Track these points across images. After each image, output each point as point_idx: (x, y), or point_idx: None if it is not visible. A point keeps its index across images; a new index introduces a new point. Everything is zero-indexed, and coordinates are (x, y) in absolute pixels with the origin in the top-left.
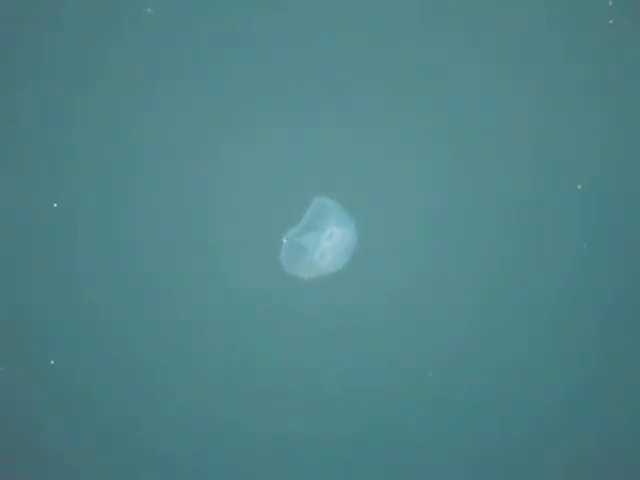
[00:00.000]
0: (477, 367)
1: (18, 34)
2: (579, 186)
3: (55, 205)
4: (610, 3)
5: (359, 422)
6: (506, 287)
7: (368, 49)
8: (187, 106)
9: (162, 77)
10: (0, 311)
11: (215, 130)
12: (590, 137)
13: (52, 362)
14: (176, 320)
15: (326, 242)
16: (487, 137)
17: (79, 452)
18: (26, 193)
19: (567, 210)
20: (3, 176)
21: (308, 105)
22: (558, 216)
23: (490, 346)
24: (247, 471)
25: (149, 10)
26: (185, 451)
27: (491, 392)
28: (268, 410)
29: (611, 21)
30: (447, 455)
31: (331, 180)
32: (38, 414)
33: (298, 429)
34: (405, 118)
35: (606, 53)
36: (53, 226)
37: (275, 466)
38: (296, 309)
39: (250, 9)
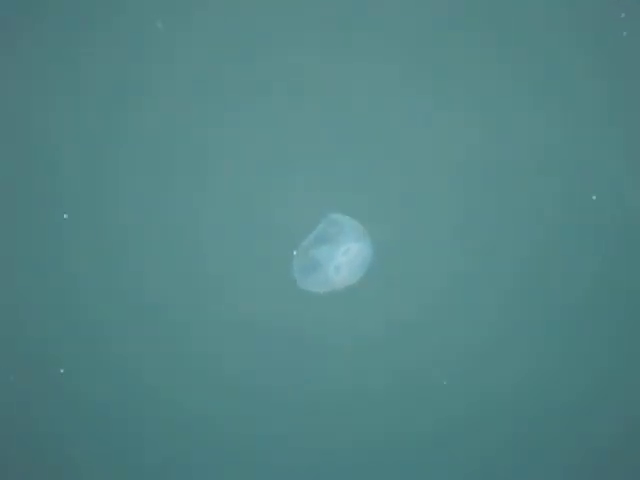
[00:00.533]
0: (491, 377)
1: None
2: (594, 197)
3: (65, 216)
4: (623, 15)
5: (374, 432)
6: (519, 300)
7: (384, 54)
8: (193, 115)
9: (163, 80)
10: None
11: (228, 143)
12: (604, 149)
13: (62, 371)
14: (185, 333)
15: (341, 257)
16: (501, 148)
17: (83, 458)
18: (25, 195)
19: (582, 220)
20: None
21: (325, 119)
22: (573, 227)
23: (504, 356)
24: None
25: (159, 25)
26: (188, 456)
27: (505, 401)
28: (287, 430)
29: (625, 33)
30: (461, 463)
31: (346, 194)
32: (46, 423)
33: (314, 443)
34: (420, 134)
35: (620, 65)
36: (57, 237)
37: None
38: (310, 323)
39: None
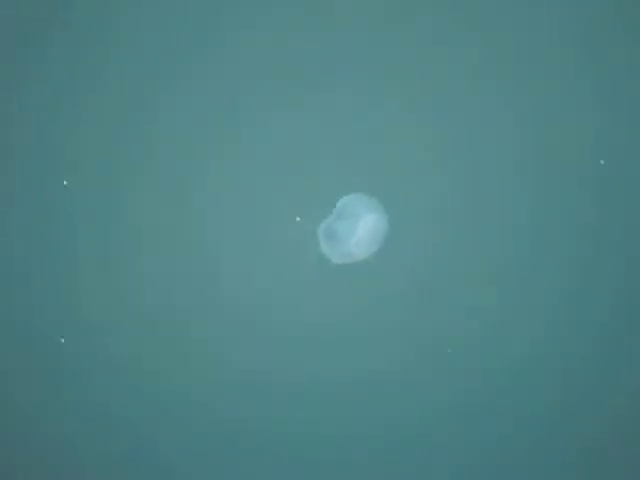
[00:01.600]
0: (497, 348)
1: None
2: (602, 161)
3: (65, 183)
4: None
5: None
6: (526, 269)
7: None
8: (206, 103)
9: (167, 75)
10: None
11: (244, 129)
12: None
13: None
14: (197, 308)
15: (360, 230)
16: (507, 116)
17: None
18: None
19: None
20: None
21: (334, 102)
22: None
23: (509, 329)
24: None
25: None
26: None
27: (510, 375)
28: (294, 400)
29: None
30: (466, 437)
31: (361, 170)
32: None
33: (322, 414)
34: (428, 115)
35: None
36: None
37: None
38: (320, 296)
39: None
